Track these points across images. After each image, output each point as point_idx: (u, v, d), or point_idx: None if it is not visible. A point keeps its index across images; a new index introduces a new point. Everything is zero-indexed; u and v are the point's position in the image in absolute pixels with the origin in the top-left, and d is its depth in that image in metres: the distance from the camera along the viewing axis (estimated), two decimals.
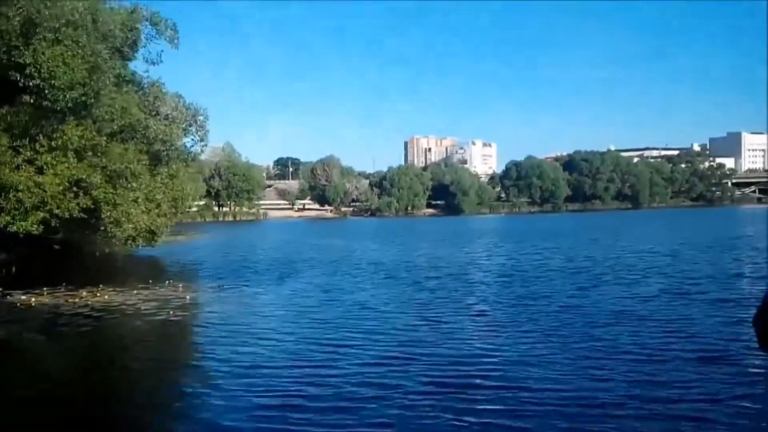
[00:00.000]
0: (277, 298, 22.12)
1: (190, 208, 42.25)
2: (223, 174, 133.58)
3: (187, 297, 21.83)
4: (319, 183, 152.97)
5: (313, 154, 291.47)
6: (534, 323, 15.91)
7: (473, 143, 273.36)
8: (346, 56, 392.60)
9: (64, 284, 24.52)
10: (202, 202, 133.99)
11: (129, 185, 33.21)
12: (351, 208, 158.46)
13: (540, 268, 28.99)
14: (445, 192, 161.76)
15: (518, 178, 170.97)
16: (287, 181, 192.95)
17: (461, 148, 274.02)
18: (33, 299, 21.72)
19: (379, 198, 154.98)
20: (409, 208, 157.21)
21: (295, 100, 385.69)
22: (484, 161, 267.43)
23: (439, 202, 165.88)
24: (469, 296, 20.73)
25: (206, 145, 45.37)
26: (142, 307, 19.87)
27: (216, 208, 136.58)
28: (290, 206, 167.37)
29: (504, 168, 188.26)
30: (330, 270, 30.85)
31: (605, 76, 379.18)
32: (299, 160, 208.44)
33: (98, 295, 22.56)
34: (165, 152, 40.01)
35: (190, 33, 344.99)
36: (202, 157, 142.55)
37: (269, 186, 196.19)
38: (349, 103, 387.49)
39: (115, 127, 33.65)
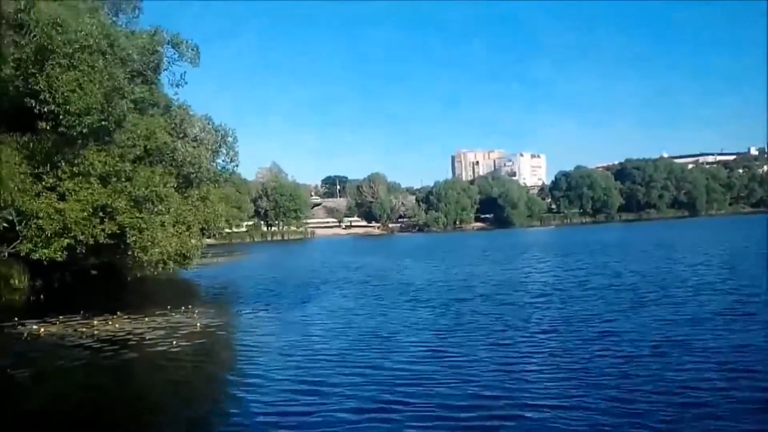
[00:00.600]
0: (288, 325, 20.41)
1: (222, 229, 41.13)
2: (270, 194, 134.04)
3: (198, 325, 20.40)
4: (366, 200, 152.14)
5: (360, 172, 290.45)
6: (563, 356, 13.65)
7: (521, 155, 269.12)
8: (392, 72, 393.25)
9: (82, 312, 23.56)
10: (250, 222, 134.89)
11: (155, 209, 32.36)
12: (398, 224, 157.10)
13: (581, 286, 26.42)
14: (494, 205, 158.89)
15: (568, 189, 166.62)
16: (335, 199, 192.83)
17: (509, 161, 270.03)
18: (43, 329, 20.76)
19: (426, 213, 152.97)
20: (457, 223, 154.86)
21: (341, 118, 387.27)
22: (533, 173, 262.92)
23: (487, 215, 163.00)
24: (496, 322, 18.46)
25: (237, 166, 44.29)
26: (147, 337, 18.55)
27: (264, 228, 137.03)
28: (338, 224, 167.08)
29: (553, 179, 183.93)
30: (355, 292, 29.04)
31: (653, 83, 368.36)
32: (347, 178, 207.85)
33: (110, 323, 21.43)
34: (194, 174, 39.14)
35: (231, 55, 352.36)
36: (250, 177, 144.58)
37: (318, 204, 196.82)
38: (395, 120, 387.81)
39: (138, 152, 32.89)
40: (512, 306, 21.55)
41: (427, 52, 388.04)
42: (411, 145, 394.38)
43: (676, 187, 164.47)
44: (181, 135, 39.37)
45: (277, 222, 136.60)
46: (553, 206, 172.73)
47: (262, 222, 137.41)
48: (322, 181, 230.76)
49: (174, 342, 17.42)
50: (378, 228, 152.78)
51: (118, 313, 23.22)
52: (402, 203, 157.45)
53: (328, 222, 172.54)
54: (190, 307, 24.45)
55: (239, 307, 25.38)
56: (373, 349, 15.48)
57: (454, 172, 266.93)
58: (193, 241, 37.08)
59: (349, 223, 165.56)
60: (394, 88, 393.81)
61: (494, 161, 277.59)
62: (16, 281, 36.06)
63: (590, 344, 14.60)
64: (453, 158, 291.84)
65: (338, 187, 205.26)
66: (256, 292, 31.32)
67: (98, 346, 17.65)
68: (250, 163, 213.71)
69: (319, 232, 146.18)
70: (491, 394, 10.95)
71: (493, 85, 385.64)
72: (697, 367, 11.97)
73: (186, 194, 39.90)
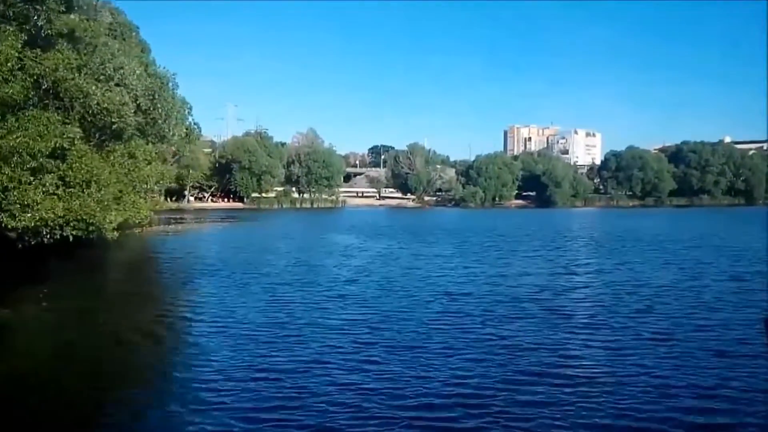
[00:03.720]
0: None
1: (152, 191, 33.83)
2: (303, 160, 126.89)
3: None
4: (402, 171, 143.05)
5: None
6: None
7: (576, 132, 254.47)
8: (448, 43, 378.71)
9: None
10: (280, 188, 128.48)
11: (30, 164, 25.28)
12: (435, 198, 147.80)
13: (593, 299, 18.07)
14: (537, 183, 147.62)
15: (618, 170, 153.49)
16: (378, 169, 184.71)
17: (563, 138, 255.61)
18: None
19: (464, 187, 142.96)
20: (496, 199, 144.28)
21: (393, 86, 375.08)
22: (588, 152, 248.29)
23: (530, 193, 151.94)
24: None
25: (176, 123, 36.88)
26: None
27: (296, 195, 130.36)
28: (376, 194, 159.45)
29: (602, 159, 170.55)
30: (278, 285, 21.39)
31: (721, 62, 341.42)
32: (393, 147, 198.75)
33: None
34: (116, 126, 31.95)
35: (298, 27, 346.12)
36: (288, 141, 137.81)
37: (360, 174, 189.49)
38: (448, 91, 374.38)
39: (10, 91, 25.66)
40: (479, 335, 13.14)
41: (490, 20, 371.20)
42: (466, 117, 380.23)
43: (734, 174, 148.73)
44: (101, 77, 32.09)
45: (309, 189, 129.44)
46: (601, 187, 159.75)
47: (293, 189, 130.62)
48: (369, 150, 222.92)
49: None
50: (413, 201, 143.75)
51: None
52: (440, 176, 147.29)
53: (369, 192, 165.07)
54: None
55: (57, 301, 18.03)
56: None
57: (505, 148, 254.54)
58: (99, 205, 29.88)
59: (377, 195, 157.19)
60: (453, 57, 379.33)
61: (547, 138, 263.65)
62: None
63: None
64: (505, 133, 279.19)
65: (382, 156, 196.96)
66: (138, 278, 24.31)
67: None
68: (292, 127, 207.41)
69: (351, 201, 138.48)
70: None
71: (554, 57, 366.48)
72: None
73: (109, 149, 33.01)
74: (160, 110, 34.11)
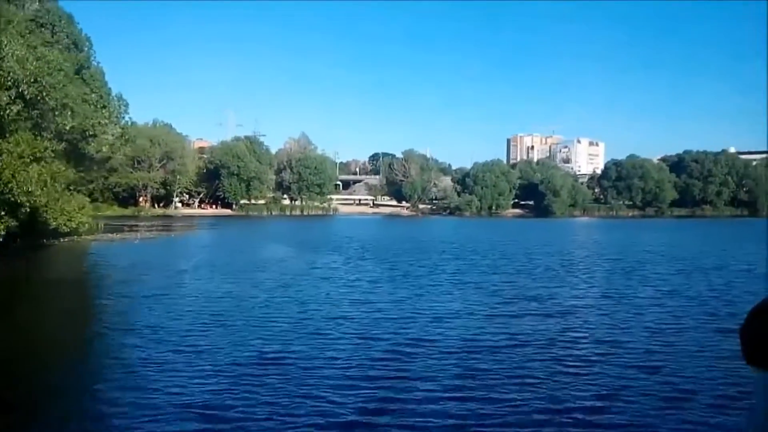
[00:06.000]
0: None
1: (35, 195, 27.74)
2: (294, 166, 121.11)
3: None
4: (396, 178, 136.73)
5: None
6: None
7: (578, 141, 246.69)
8: (454, 51, 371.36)
9: None
10: (270, 195, 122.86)
11: None
12: (430, 206, 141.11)
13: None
14: (535, 191, 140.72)
15: (618, 179, 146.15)
16: (376, 177, 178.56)
17: (565, 147, 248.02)
18: None
19: (459, 196, 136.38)
20: (492, 208, 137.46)
21: (398, 96, 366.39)
22: (590, 161, 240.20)
23: (528, 202, 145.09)
24: None
25: (72, 115, 30.82)
26: None
27: (287, 202, 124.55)
28: (372, 202, 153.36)
29: (603, 168, 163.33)
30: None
31: (728, 71, 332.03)
32: (394, 155, 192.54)
33: None
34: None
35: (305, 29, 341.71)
36: (275, 148, 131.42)
37: (359, 181, 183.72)
38: (453, 99, 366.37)
39: None
40: None
41: (497, 29, 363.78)
42: (470, 126, 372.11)
43: (737, 184, 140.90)
44: None
45: (300, 196, 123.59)
46: (601, 197, 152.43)
47: (285, 195, 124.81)
48: (369, 157, 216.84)
49: None
50: (407, 209, 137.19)
51: None
52: (435, 184, 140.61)
53: (366, 199, 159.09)
54: None
55: None
56: None
57: (508, 156, 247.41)
58: None
59: (371, 202, 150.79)
60: (459, 65, 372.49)
61: (550, 147, 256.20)
62: None
63: None
64: (509, 141, 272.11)
65: (382, 164, 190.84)
66: None
67: None
68: (295, 134, 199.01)
69: (344, 209, 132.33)
70: None
71: (557, 68, 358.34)
72: None
73: None
74: (49, 100, 28.19)
